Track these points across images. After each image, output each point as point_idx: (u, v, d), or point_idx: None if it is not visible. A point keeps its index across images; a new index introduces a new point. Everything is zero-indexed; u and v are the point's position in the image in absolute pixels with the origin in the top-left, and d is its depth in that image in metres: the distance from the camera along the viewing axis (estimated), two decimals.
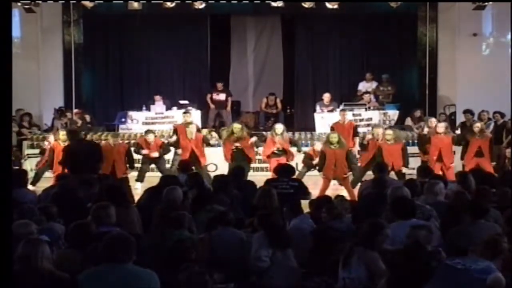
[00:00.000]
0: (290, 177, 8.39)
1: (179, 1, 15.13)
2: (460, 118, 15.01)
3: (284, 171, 8.57)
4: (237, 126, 11.83)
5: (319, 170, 10.87)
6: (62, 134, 11.86)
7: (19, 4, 14.56)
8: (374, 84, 16.30)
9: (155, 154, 12.12)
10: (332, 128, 12.40)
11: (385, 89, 16.13)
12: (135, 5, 15.30)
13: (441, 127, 11.72)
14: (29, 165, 13.54)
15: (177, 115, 14.72)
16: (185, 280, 4.47)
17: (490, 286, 4.22)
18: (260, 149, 12.11)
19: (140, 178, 12.18)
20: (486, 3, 14.53)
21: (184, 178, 8.32)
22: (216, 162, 13.01)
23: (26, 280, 4.35)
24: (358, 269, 4.94)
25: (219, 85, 16.20)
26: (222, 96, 16.12)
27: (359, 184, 10.23)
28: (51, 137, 12.55)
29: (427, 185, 7.08)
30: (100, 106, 17.32)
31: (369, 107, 15.02)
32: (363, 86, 16.33)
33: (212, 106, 15.98)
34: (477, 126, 11.77)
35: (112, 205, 5.90)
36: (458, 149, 11.98)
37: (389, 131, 11.34)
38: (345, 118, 12.95)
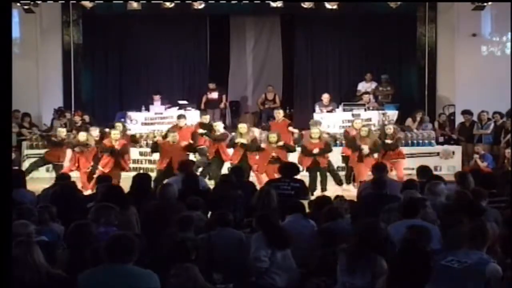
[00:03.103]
0: (292, 178, 8.36)
1: (178, 1, 15.13)
2: (459, 119, 15.02)
3: (287, 171, 8.54)
4: (242, 126, 11.99)
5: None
6: (114, 133, 11.83)
7: (18, 4, 14.56)
8: (373, 85, 16.31)
9: None
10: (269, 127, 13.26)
11: (384, 90, 16.14)
12: (135, 5, 15.31)
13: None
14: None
15: (176, 115, 14.69)
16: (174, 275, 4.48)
17: (489, 277, 4.29)
18: None
19: None
20: (485, 4, 14.54)
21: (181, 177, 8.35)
22: None
23: (24, 281, 4.34)
24: (365, 277, 4.86)
25: (211, 85, 16.28)
26: (214, 95, 16.18)
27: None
28: (93, 132, 12.45)
29: (428, 186, 7.08)
30: (100, 106, 17.32)
31: (368, 107, 15.02)
32: (362, 86, 16.34)
33: (203, 107, 16.06)
34: (389, 128, 12.12)
35: (111, 205, 5.90)
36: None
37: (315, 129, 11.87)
38: (279, 116, 13.44)
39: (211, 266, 5.55)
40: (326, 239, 5.73)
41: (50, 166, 13.20)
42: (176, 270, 4.46)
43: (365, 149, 11.55)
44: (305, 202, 7.76)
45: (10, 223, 4.94)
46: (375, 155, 11.75)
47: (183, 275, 4.43)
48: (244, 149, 11.71)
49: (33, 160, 13.58)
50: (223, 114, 16.56)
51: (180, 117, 13.14)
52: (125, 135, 12.77)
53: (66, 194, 7.45)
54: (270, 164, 11.34)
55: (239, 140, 11.78)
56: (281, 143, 11.59)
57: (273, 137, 11.59)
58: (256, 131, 12.48)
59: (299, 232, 6.07)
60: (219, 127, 12.41)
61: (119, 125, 12.71)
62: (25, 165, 13.50)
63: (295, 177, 8.45)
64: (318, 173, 11.49)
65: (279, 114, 13.57)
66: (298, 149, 12.11)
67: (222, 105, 16.34)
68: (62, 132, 12.66)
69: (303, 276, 5.54)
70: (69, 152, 12.44)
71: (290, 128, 13.45)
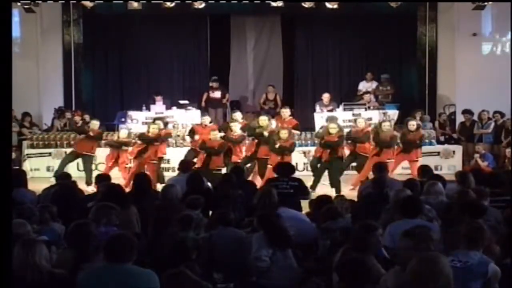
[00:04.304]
0: (290, 177, 8.38)
1: (179, 1, 15.13)
2: (459, 118, 15.02)
3: (284, 170, 8.56)
4: (263, 119, 11.96)
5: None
6: (153, 128, 11.96)
7: (19, 4, 14.56)
8: (374, 84, 16.30)
9: None
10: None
11: (384, 89, 16.12)
12: (135, 5, 15.32)
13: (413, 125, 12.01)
14: (29, 165, 13.55)
15: (176, 114, 14.73)
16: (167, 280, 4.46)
17: (489, 277, 4.33)
18: None
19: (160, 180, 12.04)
20: (485, 3, 14.53)
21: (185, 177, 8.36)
22: None
23: (25, 280, 4.34)
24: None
25: (214, 84, 16.25)
26: (217, 94, 16.15)
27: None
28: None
29: (427, 186, 7.10)
30: (100, 106, 17.31)
31: (369, 107, 15.01)
32: (363, 86, 16.33)
33: (204, 104, 16.03)
34: (412, 124, 12.04)
35: (112, 205, 5.90)
36: None
37: (333, 125, 11.74)
38: (286, 115, 13.05)
39: (211, 265, 5.55)
40: (327, 239, 5.73)
41: (51, 166, 13.23)
42: (168, 277, 4.45)
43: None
44: (306, 202, 7.82)
45: (10, 223, 4.94)
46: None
47: (175, 281, 4.41)
48: (260, 141, 11.68)
49: (33, 159, 13.62)
50: (224, 114, 16.54)
51: (204, 114, 13.38)
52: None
53: (66, 194, 7.45)
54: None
55: (260, 130, 11.72)
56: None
57: (284, 133, 11.44)
58: (273, 124, 12.35)
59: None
60: (235, 127, 12.23)
61: (158, 122, 12.60)
62: (25, 164, 13.51)
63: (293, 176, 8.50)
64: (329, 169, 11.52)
65: (286, 113, 13.16)
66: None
67: (224, 101, 16.30)
68: (95, 125, 12.61)
69: (303, 276, 5.54)
70: (105, 150, 12.57)
71: (294, 131, 12.77)
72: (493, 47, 15.92)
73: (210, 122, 12.96)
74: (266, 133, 11.69)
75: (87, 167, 12.23)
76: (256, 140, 11.96)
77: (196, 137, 12.49)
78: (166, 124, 12.87)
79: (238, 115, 13.05)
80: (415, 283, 3.63)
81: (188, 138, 13.17)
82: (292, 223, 5.97)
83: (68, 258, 4.98)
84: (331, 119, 12.43)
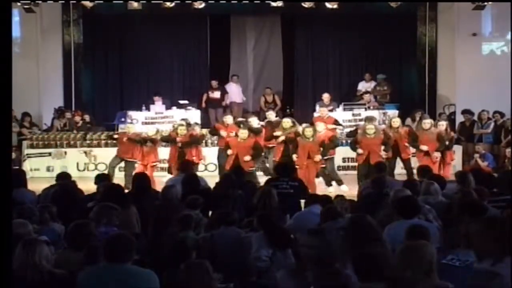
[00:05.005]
0: (290, 177, 8.39)
1: (178, 1, 15.15)
2: (459, 118, 15.03)
3: (284, 170, 8.57)
4: (286, 121, 11.83)
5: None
6: (181, 129, 11.81)
7: (19, 4, 14.57)
8: (373, 84, 16.33)
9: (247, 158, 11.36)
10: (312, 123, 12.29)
11: (381, 89, 16.13)
12: (135, 5, 15.33)
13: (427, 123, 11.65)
14: (29, 165, 13.56)
15: (176, 114, 14.73)
16: (185, 271, 4.46)
17: None
18: None
19: None
20: (485, 3, 14.54)
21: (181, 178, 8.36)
22: (216, 162, 13.01)
23: (26, 280, 4.34)
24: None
25: (214, 83, 16.23)
26: (216, 94, 16.13)
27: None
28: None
29: (424, 186, 7.11)
30: (100, 106, 17.34)
31: (368, 107, 15.02)
32: (362, 86, 16.35)
33: (204, 105, 16.02)
34: (442, 124, 11.68)
35: (113, 205, 5.90)
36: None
37: (371, 126, 11.36)
38: (323, 114, 13.05)
39: (211, 265, 5.55)
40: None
41: (51, 166, 13.24)
42: (189, 265, 4.45)
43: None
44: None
45: (10, 223, 4.94)
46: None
47: (196, 269, 4.42)
48: (284, 144, 11.41)
49: (33, 159, 13.63)
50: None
51: (226, 113, 13.81)
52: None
53: (66, 194, 7.45)
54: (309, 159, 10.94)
55: (277, 133, 11.56)
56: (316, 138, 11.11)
57: (309, 131, 11.11)
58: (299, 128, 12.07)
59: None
60: (253, 122, 12.18)
61: (182, 122, 12.51)
62: (25, 164, 13.52)
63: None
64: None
65: (324, 111, 13.08)
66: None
67: (224, 104, 16.29)
68: (131, 127, 12.56)
69: None
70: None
71: (331, 125, 12.65)
72: (492, 47, 15.93)
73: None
74: (283, 137, 11.40)
75: (127, 171, 11.97)
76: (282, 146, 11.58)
77: (223, 133, 12.23)
78: (189, 125, 12.61)
79: (271, 114, 13.16)
80: (401, 265, 3.79)
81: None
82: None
83: (68, 258, 4.98)
84: (369, 119, 11.99)
